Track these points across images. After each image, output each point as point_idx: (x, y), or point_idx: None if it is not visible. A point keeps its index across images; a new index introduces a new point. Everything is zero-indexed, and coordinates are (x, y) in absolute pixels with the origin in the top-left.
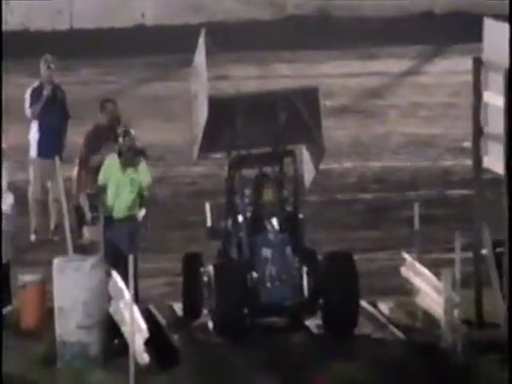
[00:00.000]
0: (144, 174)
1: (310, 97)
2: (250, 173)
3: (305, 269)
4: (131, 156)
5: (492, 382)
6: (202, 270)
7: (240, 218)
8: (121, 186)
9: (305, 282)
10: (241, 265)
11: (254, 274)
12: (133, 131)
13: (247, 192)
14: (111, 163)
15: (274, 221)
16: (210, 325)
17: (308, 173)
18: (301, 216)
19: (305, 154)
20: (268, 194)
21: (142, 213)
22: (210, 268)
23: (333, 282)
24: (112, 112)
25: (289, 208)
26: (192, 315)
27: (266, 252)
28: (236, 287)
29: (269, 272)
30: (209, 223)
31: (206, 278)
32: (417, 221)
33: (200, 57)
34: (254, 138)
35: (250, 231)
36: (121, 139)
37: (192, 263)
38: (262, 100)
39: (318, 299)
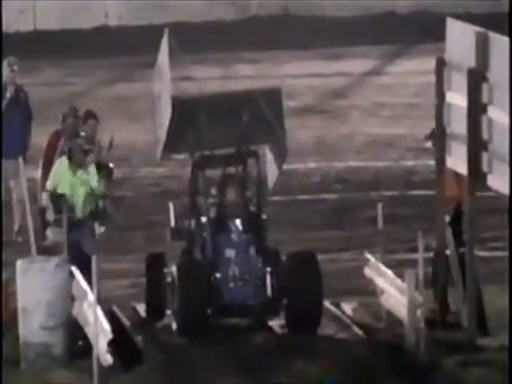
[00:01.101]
0: (93, 176)
1: (272, 97)
2: (214, 173)
3: (268, 269)
4: (80, 157)
5: (454, 382)
6: (165, 270)
7: (203, 219)
8: (72, 186)
9: (268, 282)
10: (204, 265)
11: (218, 275)
12: (83, 133)
13: (212, 192)
14: (61, 166)
15: (238, 221)
16: (174, 325)
17: (271, 173)
18: (264, 216)
19: (268, 155)
20: (231, 195)
21: (101, 230)
22: (173, 268)
23: (296, 281)
24: (93, 128)
25: (252, 208)
26: (155, 316)
27: (230, 252)
28: (199, 287)
29: (232, 272)
30: (172, 223)
31: (169, 279)
32: (380, 221)
33: (163, 57)
34: (218, 139)
35: (213, 231)
36: (72, 140)
37: (155, 263)
38: (225, 100)
39: (281, 299)
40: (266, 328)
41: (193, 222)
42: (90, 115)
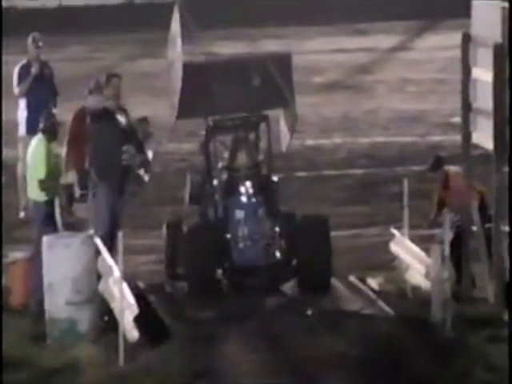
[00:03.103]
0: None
1: (282, 62)
2: (227, 137)
3: (277, 230)
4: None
5: (480, 357)
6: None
7: (215, 182)
8: (48, 157)
9: (277, 243)
10: (213, 226)
11: (227, 235)
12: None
13: (224, 156)
14: (39, 144)
15: (247, 183)
16: (185, 286)
17: (284, 137)
18: (275, 179)
19: (281, 120)
20: (242, 158)
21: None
22: (185, 230)
23: (305, 242)
24: (117, 87)
25: (264, 172)
26: (173, 279)
27: (239, 213)
28: (207, 247)
29: (241, 233)
30: (188, 190)
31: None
32: (406, 196)
33: (175, 25)
34: (230, 104)
35: (224, 194)
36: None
37: (172, 229)
38: (236, 65)
39: (291, 260)
40: (297, 307)
41: (207, 186)
42: (112, 75)
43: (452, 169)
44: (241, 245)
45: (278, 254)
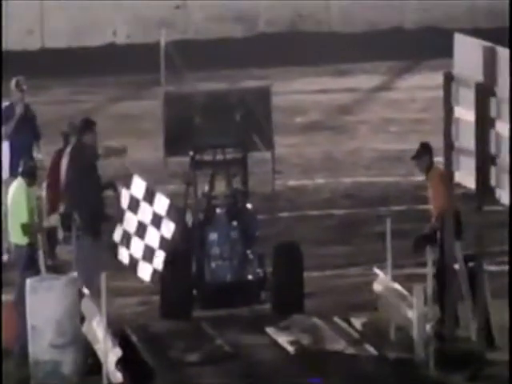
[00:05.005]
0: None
1: (261, 95)
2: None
3: (249, 251)
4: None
5: None
6: None
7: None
8: (29, 200)
9: (249, 264)
10: (189, 249)
11: (202, 257)
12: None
13: (204, 186)
14: (21, 189)
15: (223, 209)
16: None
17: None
18: (249, 206)
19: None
20: (220, 187)
21: None
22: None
23: (279, 266)
24: (95, 135)
25: (240, 200)
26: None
27: (213, 236)
28: (183, 268)
29: (214, 253)
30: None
31: None
32: (389, 236)
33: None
34: (214, 141)
35: (203, 220)
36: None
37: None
38: (217, 96)
39: (264, 281)
40: (276, 346)
41: (188, 214)
42: (92, 122)
43: (436, 166)
44: (213, 264)
45: (249, 275)
